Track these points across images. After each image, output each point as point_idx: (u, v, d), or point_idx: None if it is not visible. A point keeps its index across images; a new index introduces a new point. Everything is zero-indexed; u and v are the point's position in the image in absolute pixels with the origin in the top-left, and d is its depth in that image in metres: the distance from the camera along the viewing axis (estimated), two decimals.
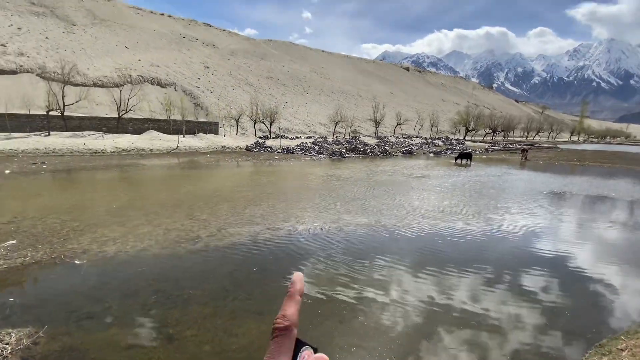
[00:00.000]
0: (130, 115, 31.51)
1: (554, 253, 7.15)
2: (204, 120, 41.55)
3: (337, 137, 55.13)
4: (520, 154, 32.26)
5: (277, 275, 5.84)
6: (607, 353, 3.61)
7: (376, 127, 61.50)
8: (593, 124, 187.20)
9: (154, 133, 30.77)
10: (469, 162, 25.45)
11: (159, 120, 33.85)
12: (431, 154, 34.47)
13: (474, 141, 67.96)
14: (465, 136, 75.15)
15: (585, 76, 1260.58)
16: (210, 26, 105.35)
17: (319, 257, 6.56)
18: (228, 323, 4.32)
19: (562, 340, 4.16)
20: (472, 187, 14.79)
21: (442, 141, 59.78)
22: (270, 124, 42.56)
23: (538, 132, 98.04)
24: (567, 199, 13.33)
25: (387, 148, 36.44)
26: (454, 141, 60.33)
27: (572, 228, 9.30)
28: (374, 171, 19.57)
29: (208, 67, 67.75)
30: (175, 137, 29.89)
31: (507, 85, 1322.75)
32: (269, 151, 30.72)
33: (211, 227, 8.06)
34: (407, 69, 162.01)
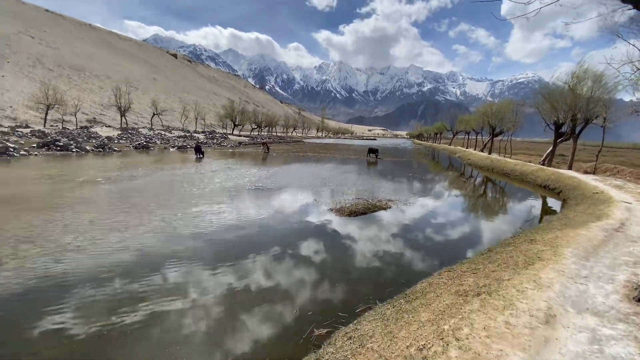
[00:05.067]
0: None
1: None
2: None
3: (54, 126, 39.53)
4: (262, 147, 33.70)
5: None
6: None
7: (121, 116, 49.69)
8: (331, 123, 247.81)
9: None
10: (201, 157, 22.93)
11: None
12: (172, 149, 29.79)
13: (240, 135, 69.59)
14: (233, 130, 75.95)
15: (327, 88, 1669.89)
16: None
17: None
18: None
19: (329, 287, 5.12)
20: (135, 193, 10.62)
21: (204, 134, 56.55)
22: None
23: (294, 128, 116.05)
24: (232, 196, 11.06)
25: (109, 142, 28.45)
26: (217, 135, 58.66)
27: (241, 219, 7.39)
28: (45, 178, 12.44)
29: None
30: None
31: (277, 88, 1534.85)
32: None
33: None
34: (175, 55, 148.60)
